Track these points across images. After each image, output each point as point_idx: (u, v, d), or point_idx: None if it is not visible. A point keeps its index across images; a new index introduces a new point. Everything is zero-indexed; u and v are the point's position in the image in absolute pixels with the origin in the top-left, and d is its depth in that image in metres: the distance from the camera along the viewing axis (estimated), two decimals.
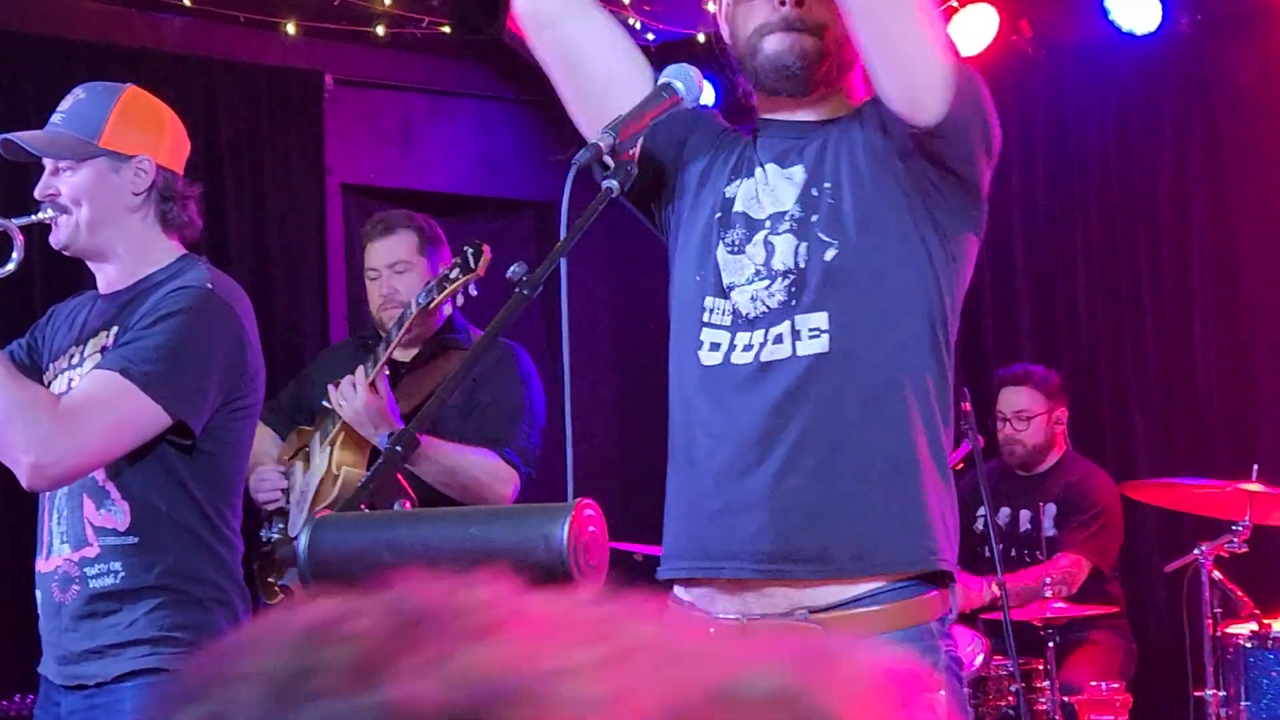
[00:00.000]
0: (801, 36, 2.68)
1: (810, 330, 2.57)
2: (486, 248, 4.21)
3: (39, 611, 3.31)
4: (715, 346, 2.64)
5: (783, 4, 2.67)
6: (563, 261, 2.19)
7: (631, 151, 2.39)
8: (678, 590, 2.71)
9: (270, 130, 6.72)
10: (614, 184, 2.36)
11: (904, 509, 2.55)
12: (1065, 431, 6.23)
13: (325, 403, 4.51)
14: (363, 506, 1.72)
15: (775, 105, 2.77)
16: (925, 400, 2.60)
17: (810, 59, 2.69)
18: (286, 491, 4.57)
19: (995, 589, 5.01)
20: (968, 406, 4.98)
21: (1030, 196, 7.14)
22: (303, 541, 1.42)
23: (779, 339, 2.59)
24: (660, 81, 2.56)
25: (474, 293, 4.25)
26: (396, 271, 4.61)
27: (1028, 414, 6.11)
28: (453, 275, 4.22)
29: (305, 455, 4.60)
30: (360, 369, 4.34)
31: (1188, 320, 6.79)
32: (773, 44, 2.69)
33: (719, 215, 2.72)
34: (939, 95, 2.56)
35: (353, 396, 4.27)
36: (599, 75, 2.80)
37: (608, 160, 2.37)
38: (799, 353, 2.57)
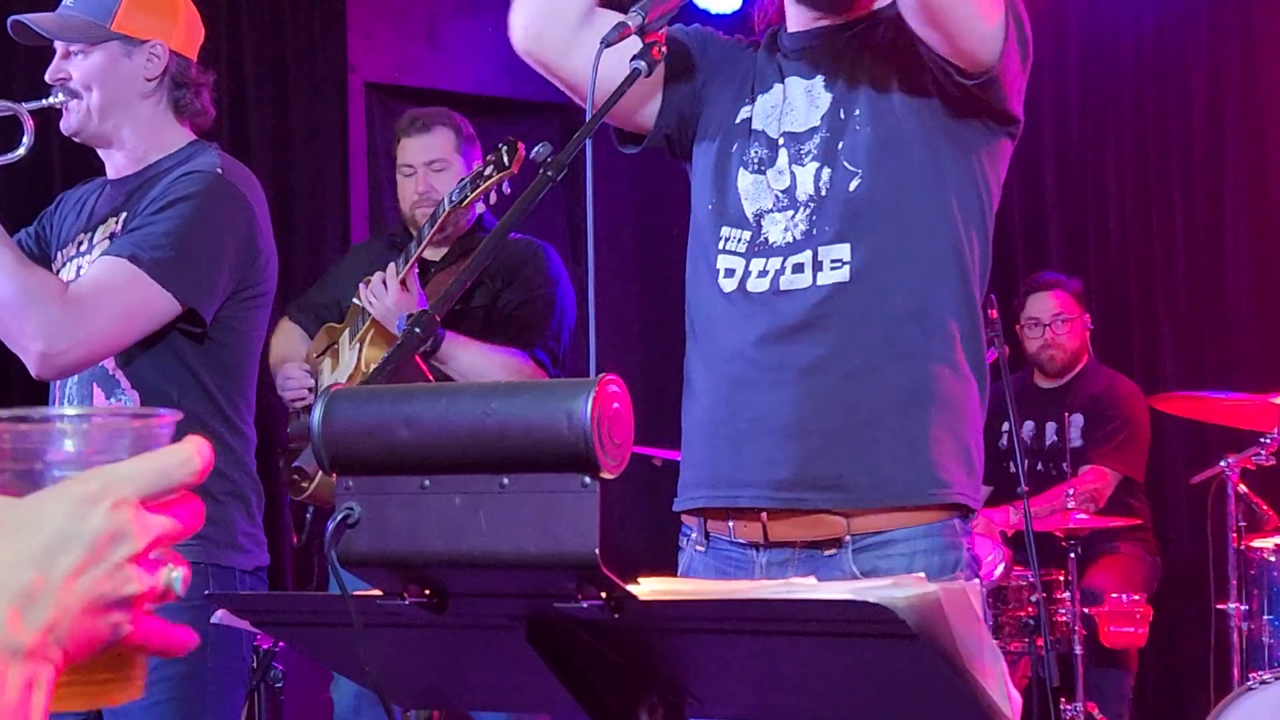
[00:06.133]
0: None
1: (832, 261, 2.50)
2: (521, 145, 4.14)
3: None
4: (730, 273, 2.57)
5: None
6: (588, 143, 2.13)
7: (661, 32, 2.33)
8: (688, 521, 2.66)
9: (293, 26, 6.64)
10: (642, 65, 2.30)
11: (918, 441, 2.49)
12: (1089, 340, 6.20)
13: (355, 300, 4.48)
14: None
15: (800, 15, 2.67)
16: (948, 331, 2.52)
17: None
18: (314, 390, 4.54)
19: (1019, 519, 4.97)
20: (995, 314, 4.92)
21: (1062, 104, 7.04)
22: (316, 415, 1.37)
23: (799, 268, 2.52)
24: None
25: (507, 190, 4.20)
26: (434, 170, 4.55)
27: (1066, 316, 6.07)
28: (486, 173, 4.17)
29: (334, 352, 4.57)
30: (391, 266, 4.31)
31: (1218, 231, 6.72)
32: None
33: (734, 140, 2.63)
34: (992, 49, 2.46)
35: (383, 294, 4.25)
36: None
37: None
38: (819, 282, 2.50)
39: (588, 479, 1.31)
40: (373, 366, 4.38)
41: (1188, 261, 6.80)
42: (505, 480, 1.34)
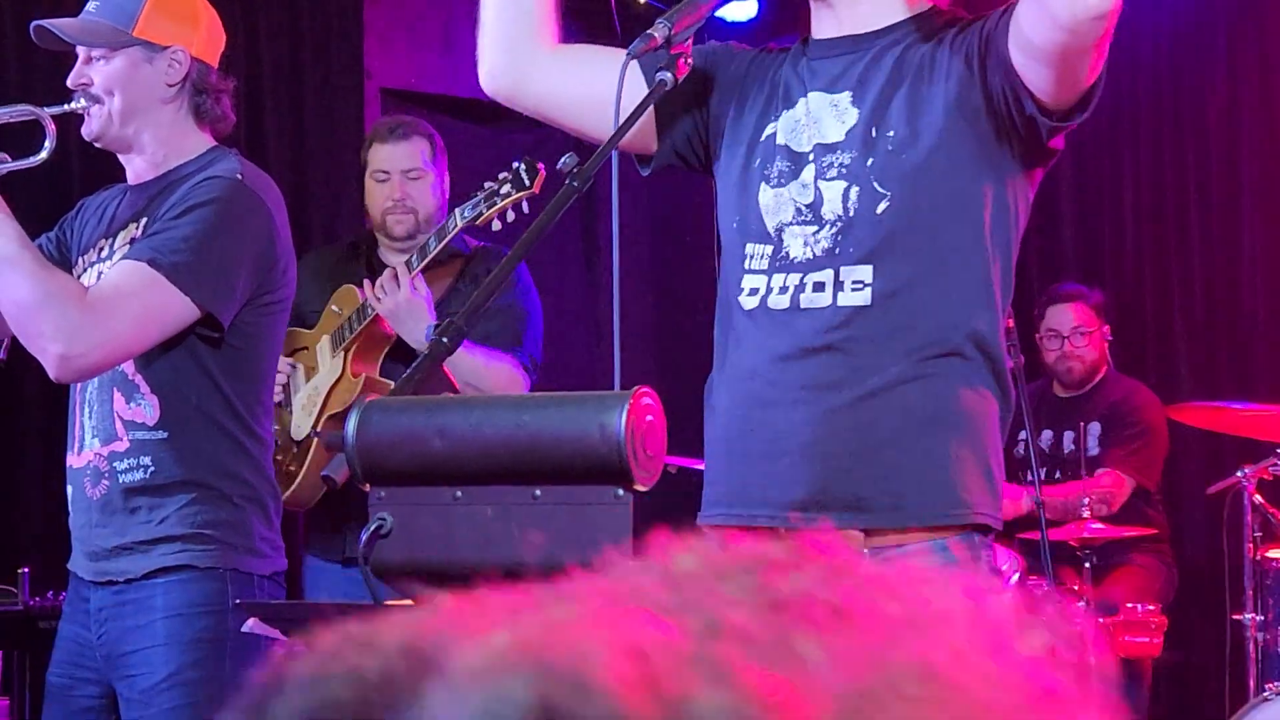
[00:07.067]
0: None
1: (854, 283, 2.48)
2: (541, 165, 4.11)
3: (70, 507, 3.28)
4: (754, 291, 2.56)
5: None
6: (614, 154, 2.13)
7: (687, 44, 2.32)
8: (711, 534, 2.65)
9: (310, 32, 6.65)
10: (668, 76, 2.30)
11: (939, 461, 2.47)
12: (1108, 350, 6.19)
13: (334, 307, 4.46)
14: None
15: (824, 22, 2.64)
16: (970, 353, 2.51)
17: None
18: (285, 387, 4.51)
19: (1033, 504, 4.96)
20: (1011, 324, 4.92)
21: None
22: (351, 425, 1.37)
23: (819, 286, 2.50)
24: None
25: (526, 210, 4.17)
26: (410, 178, 4.53)
27: (1085, 329, 6.06)
28: (503, 191, 4.15)
29: (305, 357, 4.54)
30: (401, 264, 4.31)
31: (1235, 242, 6.71)
32: None
33: (758, 156, 2.60)
34: (1091, 78, 2.45)
35: (395, 290, 4.24)
36: (575, 122, 2.74)
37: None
38: (839, 303, 2.48)
39: (621, 491, 1.31)
40: (361, 378, 4.39)
41: (1204, 272, 6.78)
42: (537, 492, 1.34)
